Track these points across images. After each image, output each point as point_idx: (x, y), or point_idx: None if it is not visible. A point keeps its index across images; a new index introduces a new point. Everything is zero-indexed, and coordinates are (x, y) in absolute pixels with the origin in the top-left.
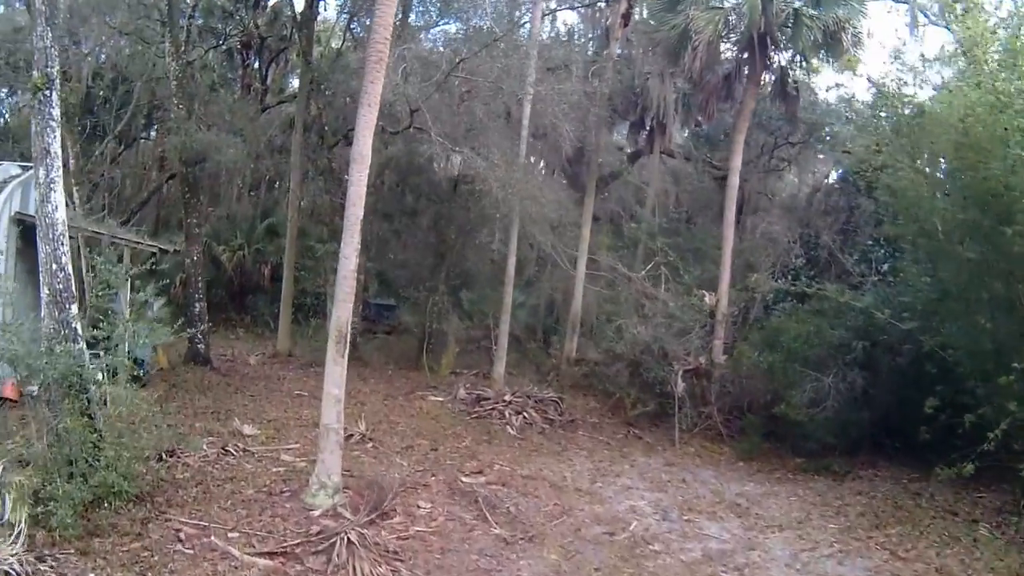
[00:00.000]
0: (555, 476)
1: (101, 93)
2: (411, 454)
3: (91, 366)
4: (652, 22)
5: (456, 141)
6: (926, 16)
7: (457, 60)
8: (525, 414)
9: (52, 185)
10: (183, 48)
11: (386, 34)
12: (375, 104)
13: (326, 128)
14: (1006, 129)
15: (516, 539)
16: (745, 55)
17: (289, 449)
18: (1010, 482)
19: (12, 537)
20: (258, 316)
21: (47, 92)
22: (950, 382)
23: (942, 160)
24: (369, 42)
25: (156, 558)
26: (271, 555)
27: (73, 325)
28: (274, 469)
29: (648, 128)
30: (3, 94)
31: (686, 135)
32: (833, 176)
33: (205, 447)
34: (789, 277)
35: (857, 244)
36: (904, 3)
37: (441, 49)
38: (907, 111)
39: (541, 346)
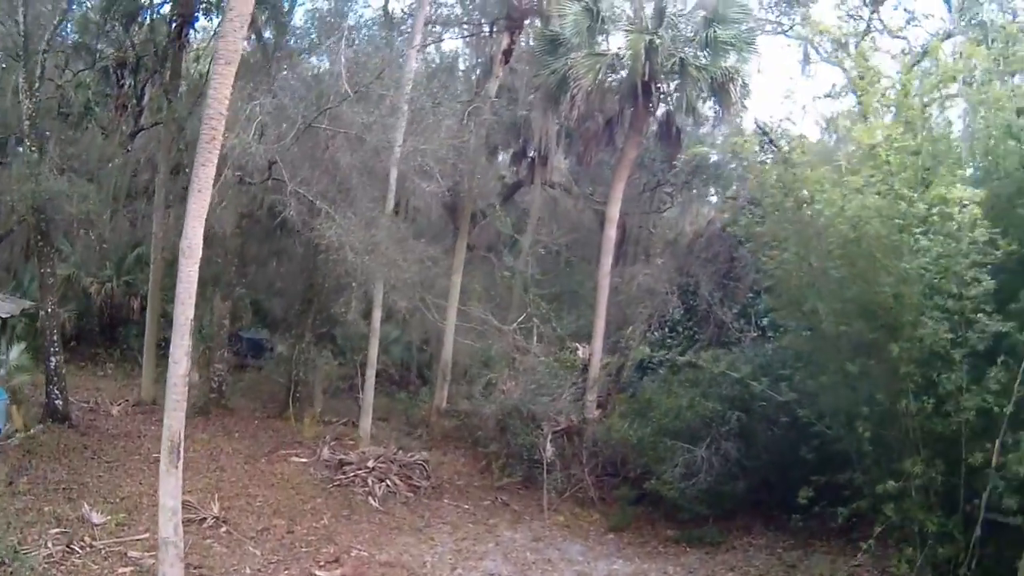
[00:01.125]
0: (415, 562)
1: None
2: (266, 539)
3: None
4: (536, 51)
5: (320, 194)
6: (818, 53)
7: (320, 111)
8: (388, 481)
9: None
10: (38, 85)
11: (221, 109)
12: (207, 189)
13: (187, 170)
14: (901, 232)
15: None
16: (628, 101)
17: (139, 539)
18: (889, 546)
19: None
20: (128, 350)
21: None
22: (828, 459)
23: (829, 261)
24: (203, 118)
25: None
26: None
27: None
28: (120, 569)
29: (530, 159)
30: None
31: (568, 163)
32: (717, 222)
33: (50, 545)
34: (666, 329)
35: (737, 296)
36: (799, 40)
37: (304, 93)
38: (790, 201)
39: (411, 395)
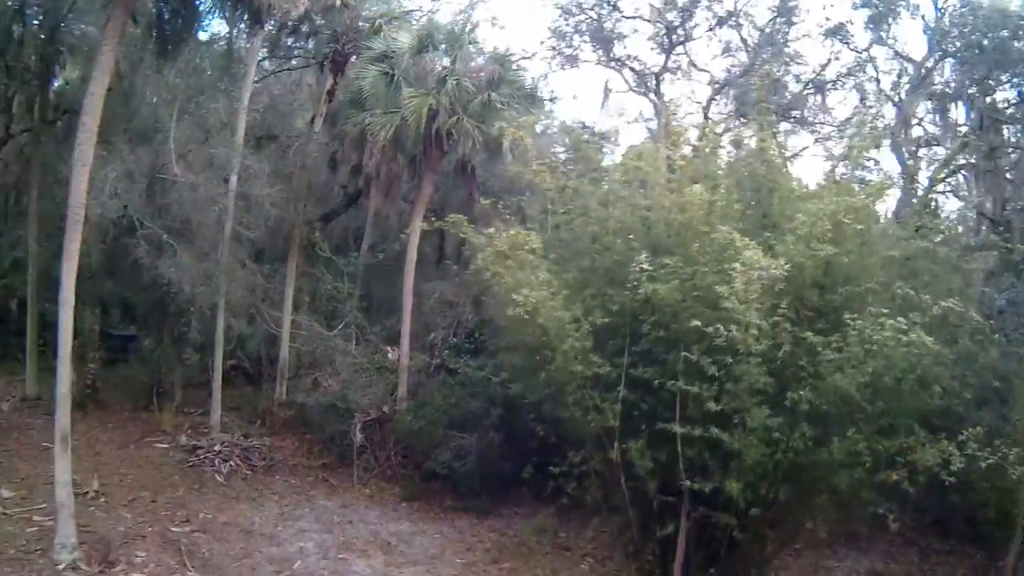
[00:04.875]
0: (247, 522)
1: None
2: (135, 507)
3: None
4: (343, 103)
5: (166, 228)
6: (628, 84)
7: (158, 169)
8: (232, 462)
9: None
10: None
11: (80, 198)
12: (75, 258)
13: (57, 200)
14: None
15: None
16: (422, 148)
17: (39, 509)
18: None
19: None
20: (7, 350)
21: None
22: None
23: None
24: (68, 209)
25: None
26: None
27: None
28: (28, 530)
29: (364, 174)
30: None
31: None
32: None
33: None
34: (463, 335)
35: None
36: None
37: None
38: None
39: (255, 389)
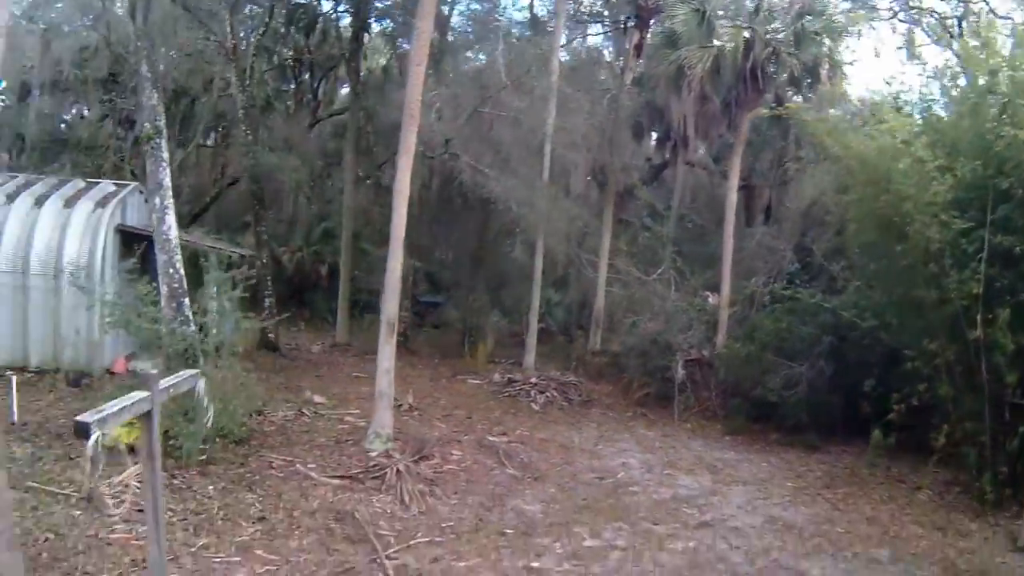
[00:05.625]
0: (565, 440)
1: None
2: (449, 420)
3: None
4: (658, 45)
5: (487, 164)
6: (927, 35)
7: (483, 98)
8: (548, 394)
9: (166, 210)
10: (248, 83)
11: (416, 95)
12: (410, 152)
13: (374, 149)
14: (898, 166)
15: (525, 478)
16: (738, 85)
17: (351, 413)
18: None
19: None
20: (316, 311)
21: (157, 140)
22: (900, 369)
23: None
24: (405, 104)
25: (256, 478)
26: (340, 478)
27: (187, 313)
28: (340, 426)
29: (672, 141)
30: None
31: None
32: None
33: (284, 410)
34: (784, 281)
35: (846, 252)
36: (910, 23)
37: (471, 80)
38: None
39: (568, 340)
